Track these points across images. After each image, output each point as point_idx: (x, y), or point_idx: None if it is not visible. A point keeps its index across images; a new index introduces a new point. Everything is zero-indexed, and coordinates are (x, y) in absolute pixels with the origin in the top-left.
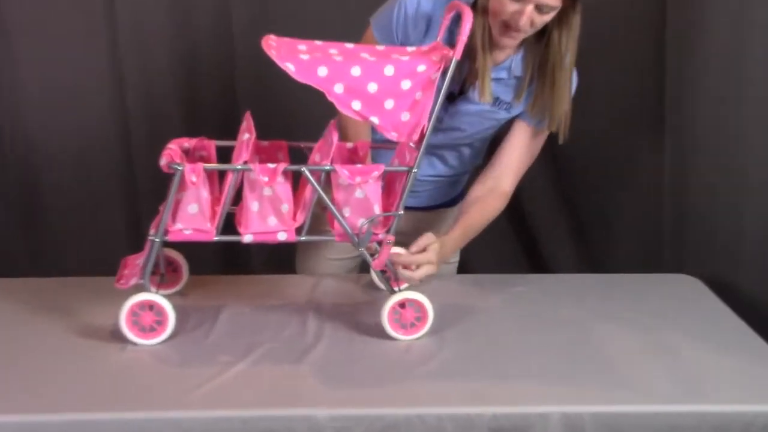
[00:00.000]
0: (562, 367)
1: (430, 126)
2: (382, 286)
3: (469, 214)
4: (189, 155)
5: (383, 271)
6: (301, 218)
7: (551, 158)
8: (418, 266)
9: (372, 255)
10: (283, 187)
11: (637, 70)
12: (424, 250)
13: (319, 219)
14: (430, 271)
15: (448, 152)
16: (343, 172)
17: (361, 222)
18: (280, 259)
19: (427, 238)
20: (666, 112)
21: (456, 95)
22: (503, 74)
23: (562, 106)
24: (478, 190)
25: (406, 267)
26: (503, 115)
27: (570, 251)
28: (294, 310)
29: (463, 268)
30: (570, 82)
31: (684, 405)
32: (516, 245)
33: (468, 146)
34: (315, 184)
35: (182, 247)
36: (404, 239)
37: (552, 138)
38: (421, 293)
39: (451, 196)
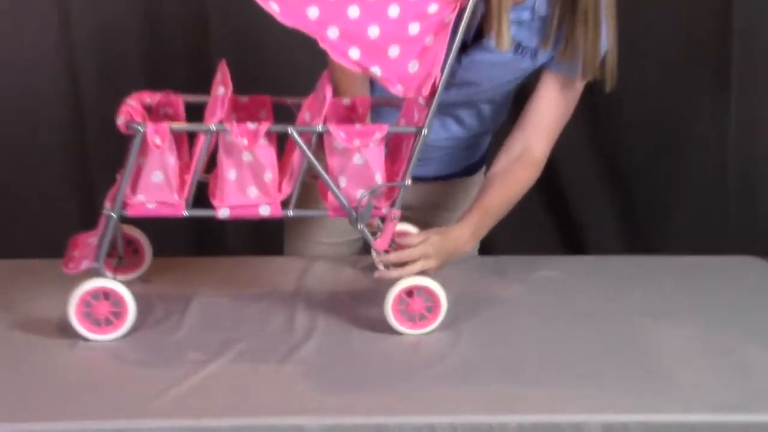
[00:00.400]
0: (603, 369)
1: (443, 79)
2: (386, 272)
3: (489, 192)
4: (152, 113)
5: (387, 253)
6: (287, 189)
7: (591, 117)
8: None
9: (373, 234)
10: (266, 152)
11: (697, 5)
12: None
13: (310, 191)
14: (427, 267)
15: (464, 111)
16: (338, 134)
17: (360, 194)
18: (263, 239)
19: (418, 236)
20: (733, 63)
21: (469, 43)
22: (526, 15)
23: (601, 49)
24: (502, 161)
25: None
26: (528, 65)
27: (613, 228)
28: (279, 300)
29: (484, 248)
30: (612, 19)
31: (748, 415)
32: (548, 220)
33: (488, 103)
34: (304, 147)
35: (144, 223)
36: (413, 215)
37: (592, 91)
38: (432, 279)
39: (469, 162)
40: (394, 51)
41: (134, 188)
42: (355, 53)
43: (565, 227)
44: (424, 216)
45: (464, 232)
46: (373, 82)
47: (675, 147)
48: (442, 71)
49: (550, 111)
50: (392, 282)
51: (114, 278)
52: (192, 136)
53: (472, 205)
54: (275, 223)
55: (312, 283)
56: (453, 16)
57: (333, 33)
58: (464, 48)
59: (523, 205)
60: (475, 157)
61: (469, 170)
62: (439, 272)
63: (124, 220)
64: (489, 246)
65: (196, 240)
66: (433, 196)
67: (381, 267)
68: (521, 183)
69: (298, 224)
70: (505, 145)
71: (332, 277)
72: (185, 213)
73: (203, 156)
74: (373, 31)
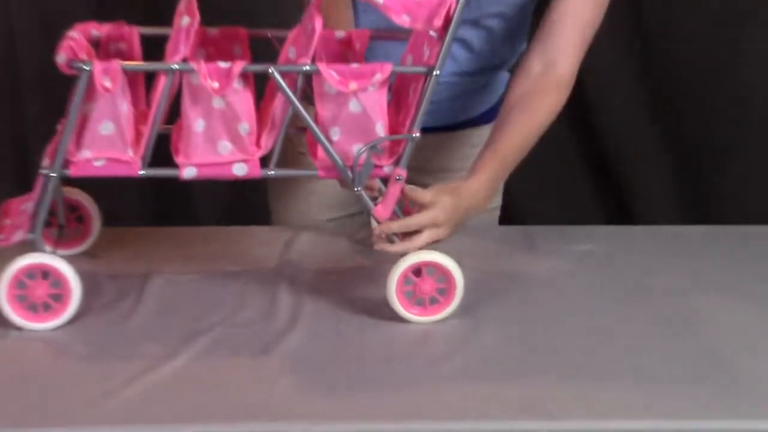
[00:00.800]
0: (655, 365)
1: (459, 5)
2: (387, 245)
3: (506, 128)
4: (101, 49)
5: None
6: (268, 143)
7: (640, 49)
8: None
9: (374, 199)
10: (242, 97)
11: None
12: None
13: (294, 150)
14: (437, 237)
15: (471, 32)
16: (330, 75)
17: (357, 149)
18: (242, 208)
19: (424, 195)
20: None
21: None
22: None
23: None
24: (520, 84)
25: (403, 236)
26: None
27: (666, 190)
28: (258, 279)
29: (508, 215)
30: None
31: None
32: (586, 181)
33: (499, 19)
34: (288, 92)
35: (91, 186)
36: (414, 179)
37: (647, 46)
38: (445, 255)
39: (484, 106)
40: None
41: (79, 142)
42: None
43: (604, 187)
44: (428, 180)
45: (480, 186)
46: (365, 10)
47: (742, 89)
48: None
49: (575, 16)
50: (396, 258)
51: (54, 253)
52: (150, 78)
53: (487, 148)
54: (257, 191)
55: (299, 259)
56: None
57: None
58: None
59: (555, 161)
60: (491, 101)
61: (485, 117)
62: (454, 246)
63: (67, 181)
64: (515, 211)
65: (156, 207)
66: (438, 154)
67: (381, 238)
68: (545, 111)
69: (284, 194)
70: (522, 63)
71: (323, 251)
72: (141, 172)
73: (164, 102)
74: None
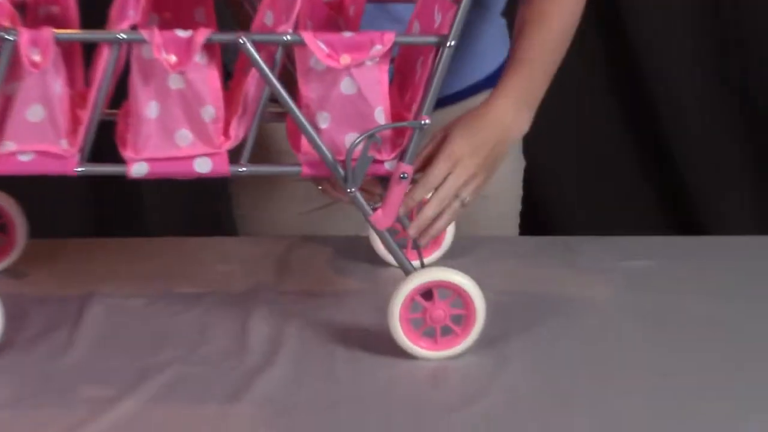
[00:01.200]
0: (730, 422)
1: None
2: (389, 257)
3: (527, 33)
4: (28, 13)
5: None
6: (238, 133)
7: (712, 51)
8: (440, 206)
9: (372, 204)
10: (205, 75)
11: None
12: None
13: (272, 136)
14: (464, 180)
15: None
16: (317, 47)
17: (350, 139)
18: (202, 215)
19: (433, 140)
20: None
21: None
22: None
23: None
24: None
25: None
26: None
27: (743, 194)
28: (225, 303)
29: (542, 221)
30: None
31: None
32: (641, 181)
33: None
34: (264, 68)
35: (16, 186)
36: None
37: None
38: (461, 272)
39: (478, 65)
40: None
41: (1, 130)
42: None
43: (673, 199)
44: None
45: (506, 104)
46: None
47: None
48: None
49: None
50: (400, 278)
51: None
52: (90, 51)
53: (508, 61)
54: (221, 189)
55: (276, 277)
56: None
57: None
58: None
59: (611, 169)
60: (482, 64)
61: (475, 86)
62: (473, 261)
63: None
64: (546, 215)
65: (97, 213)
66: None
67: (381, 252)
68: (568, 8)
69: (256, 190)
70: None
71: (308, 267)
72: (79, 169)
73: (107, 81)
74: None
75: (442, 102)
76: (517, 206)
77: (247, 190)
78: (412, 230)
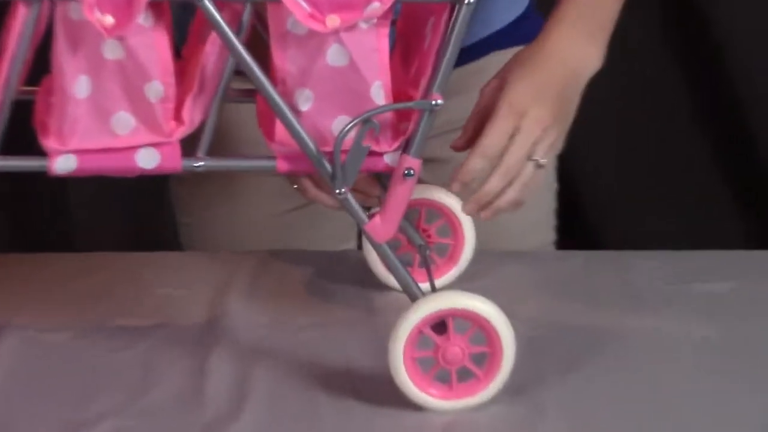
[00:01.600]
0: None
1: None
2: (389, 278)
3: None
4: None
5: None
6: (194, 115)
7: None
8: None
9: (368, 209)
10: (152, 42)
11: None
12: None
13: (237, 120)
14: (535, 136)
15: None
16: (296, 5)
17: (340, 124)
18: (150, 220)
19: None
20: None
21: None
22: None
23: None
24: None
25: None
26: None
27: None
28: (175, 338)
29: (589, 230)
30: None
31: None
32: (712, 177)
33: None
34: (228, 32)
35: None
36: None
37: None
38: (483, 298)
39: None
40: None
41: None
42: None
43: (759, 209)
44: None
45: (567, 31)
46: None
47: None
48: None
49: None
50: (405, 305)
51: None
52: (1, 11)
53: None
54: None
55: (241, 304)
56: None
57: None
58: None
59: (680, 169)
60: (493, 15)
61: (484, 44)
62: (499, 283)
63: None
64: (607, 233)
65: (11, 222)
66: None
67: (379, 273)
68: None
69: (208, 187)
70: None
71: (278, 288)
72: None
73: (23, 50)
74: None
75: (463, 57)
76: (552, 206)
77: (196, 189)
78: (469, 206)
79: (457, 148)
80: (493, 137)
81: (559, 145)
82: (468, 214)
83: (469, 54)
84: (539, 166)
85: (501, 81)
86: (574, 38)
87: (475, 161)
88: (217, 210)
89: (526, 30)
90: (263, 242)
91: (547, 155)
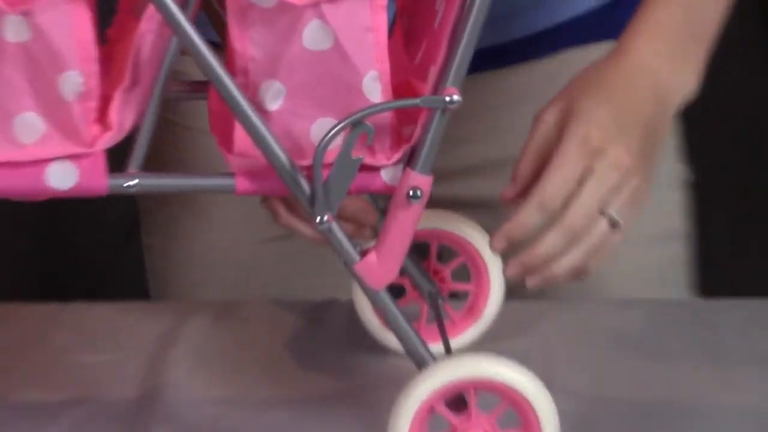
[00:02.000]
0: None
1: None
2: (390, 338)
3: None
4: None
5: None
6: (124, 117)
7: None
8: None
9: (358, 246)
10: (67, 20)
11: None
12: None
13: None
14: (615, 181)
15: None
16: None
17: (321, 129)
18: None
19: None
20: None
21: None
22: None
23: None
24: None
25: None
26: None
27: None
28: (103, 419)
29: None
30: None
31: None
32: None
33: None
34: (171, 5)
35: None
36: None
37: None
38: (515, 363)
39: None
40: None
41: None
42: None
43: None
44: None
45: (653, 45)
46: None
47: None
48: None
49: None
50: (410, 373)
51: None
52: None
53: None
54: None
55: (191, 370)
56: None
57: None
58: None
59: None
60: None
61: (553, 34)
62: (539, 348)
63: None
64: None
65: None
66: (464, 122)
67: (375, 329)
68: None
69: (174, 201)
70: None
71: (239, 350)
72: None
73: None
74: None
75: (478, 64)
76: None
77: (162, 202)
78: (513, 269)
79: (507, 198)
80: (556, 184)
81: (643, 198)
82: (509, 277)
83: (523, 51)
84: (614, 224)
85: (567, 105)
86: (663, 54)
87: (531, 214)
88: (180, 232)
89: (618, 20)
90: (235, 279)
91: (625, 210)
